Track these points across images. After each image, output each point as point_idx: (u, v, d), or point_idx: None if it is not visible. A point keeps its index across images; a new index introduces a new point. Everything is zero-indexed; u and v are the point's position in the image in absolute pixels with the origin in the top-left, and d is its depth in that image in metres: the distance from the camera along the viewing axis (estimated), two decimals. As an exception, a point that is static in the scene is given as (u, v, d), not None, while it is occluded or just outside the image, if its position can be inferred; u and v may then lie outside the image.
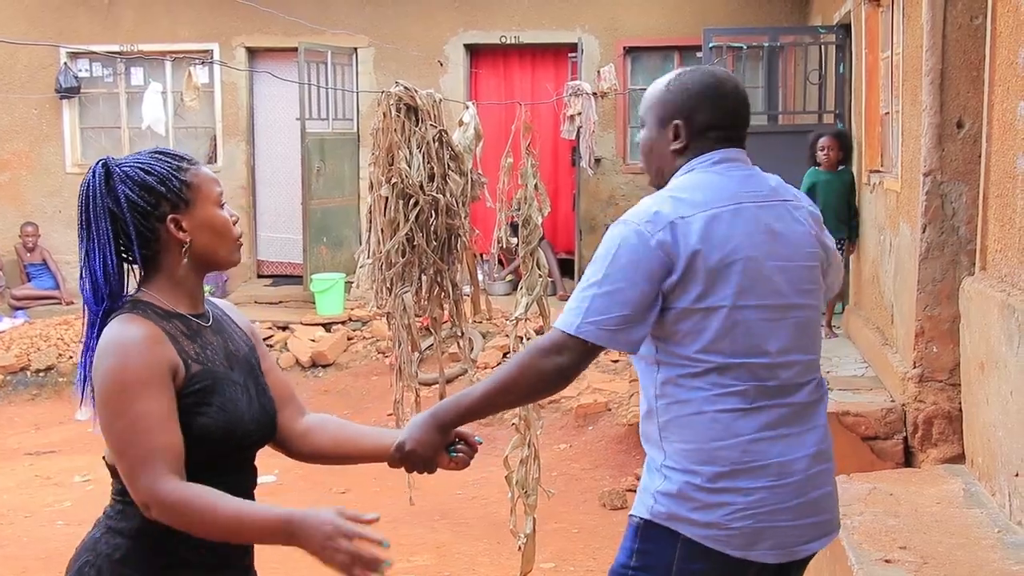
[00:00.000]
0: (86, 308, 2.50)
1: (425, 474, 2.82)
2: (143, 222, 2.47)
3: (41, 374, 11.70)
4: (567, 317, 2.68)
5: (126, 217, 2.46)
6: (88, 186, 2.48)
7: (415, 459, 2.76)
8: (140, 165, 2.49)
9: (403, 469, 2.81)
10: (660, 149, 2.91)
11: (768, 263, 2.72)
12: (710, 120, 2.84)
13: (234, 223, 2.59)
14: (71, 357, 11.78)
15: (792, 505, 2.75)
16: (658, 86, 2.92)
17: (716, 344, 2.67)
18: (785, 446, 2.78)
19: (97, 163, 2.50)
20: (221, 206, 2.56)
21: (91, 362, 2.44)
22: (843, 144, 8.64)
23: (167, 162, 2.51)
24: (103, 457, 2.58)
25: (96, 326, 2.47)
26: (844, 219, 8.58)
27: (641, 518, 2.76)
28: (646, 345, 2.74)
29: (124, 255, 2.51)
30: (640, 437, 2.89)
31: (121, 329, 2.41)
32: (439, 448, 2.77)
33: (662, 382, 2.75)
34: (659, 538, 2.72)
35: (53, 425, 10.64)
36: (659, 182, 2.94)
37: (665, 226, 2.66)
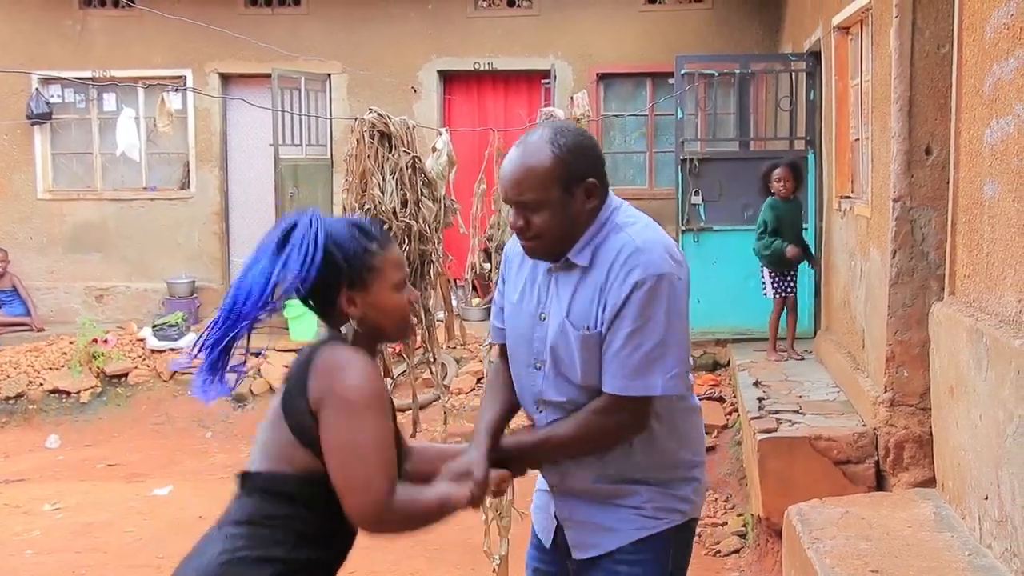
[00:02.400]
0: (238, 302, 2.61)
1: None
2: (325, 289, 2.63)
3: (11, 401, 11.60)
4: (644, 380, 2.78)
5: (310, 274, 2.58)
6: (307, 223, 2.61)
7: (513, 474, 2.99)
8: (338, 235, 2.62)
9: None
10: (572, 214, 2.86)
11: None
12: (604, 167, 2.95)
13: (412, 301, 2.73)
14: (41, 384, 11.70)
15: None
16: (542, 160, 2.81)
17: (688, 351, 2.94)
18: None
19: (308, 215, 2.64)
20: (400, 289, 2.69)
21: (223, 340, 2.58)
22: (796, 174, 9.04)
23: (358, 240, 2.62)
24: (246, 473, 2.65)
25: (246, 320, 2.59)
26: (801, 243, 9.06)
27: (668, 528, 2.96)
28: None
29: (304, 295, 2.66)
30: (629, 469, 2.97)
31: (356, 354, 2.58)
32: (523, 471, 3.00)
33: (681, 408, 2.98)
34: (684, 533, 3.02)
35: (23, 453, 10.56)
36: (562, 249, 2.90)
37: (683, 265, 2.84)
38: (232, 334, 2.61)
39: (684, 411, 2.98)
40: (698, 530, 6.21)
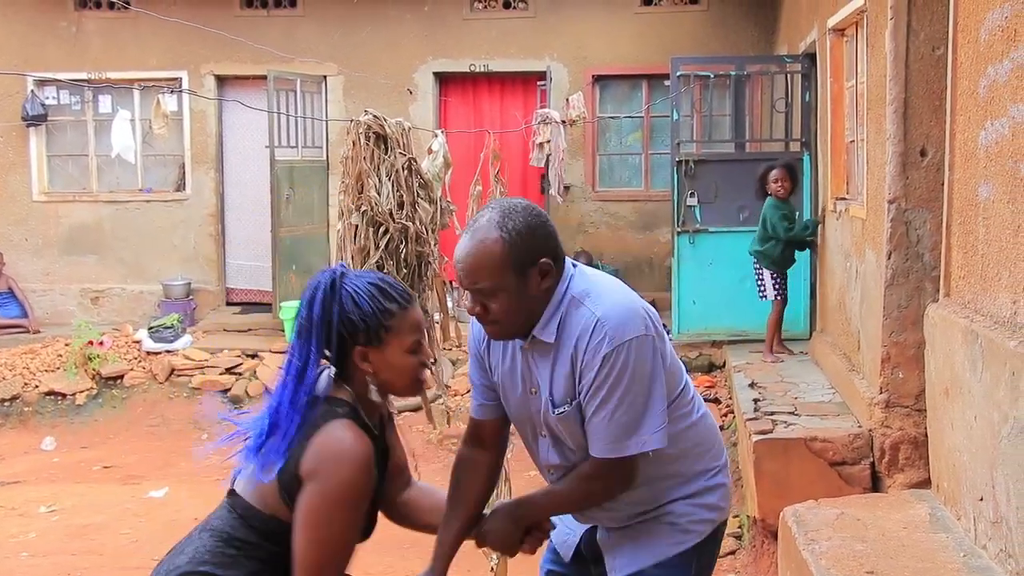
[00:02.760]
0: (283, 400, 2.69)
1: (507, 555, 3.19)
2: (337, 340, 2.71)
3: (6, 404, 11.59)
4: (613, 445, 2.86)
5: (325, 330, 2.69)
6: (319, 294, 2.71)
7: (494, 545, 3.13)
8: (357, 294, 2.71)
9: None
10: (528, 296, 2.87)
11: None
12: (558, 240, 2.93)
13: (425, 365, 2.79)
14: (36, 386, 11.69)
15: None
16: (492, 247, 2.80)
17: (681, 373, 3.09)
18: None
19: (332, 273, 2.75)
20: (415, 351, 2.75)
21: (284, 440, 2.64)
22: (792, 175, 9.19)
23: (378, 300, 2.72)
24: (233, 491, 2.79)
25: (300, 411, 2.66)
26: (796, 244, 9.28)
27: (696, 543, 3.06)
28: None
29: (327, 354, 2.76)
30: (640, 507, 3.09)
31: (353, 438, 2.64)
32: (515, 537, 3.08)
33: (672, 431, 2.99)
34: (710, 545, 3.12)
35: (18, 455, 10.56)
36: (525, 329, 2.93)
37: (647, 320, 2.88)
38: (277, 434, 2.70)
39: (688, 428, 3.07)
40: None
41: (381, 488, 2.87)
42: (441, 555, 3.11)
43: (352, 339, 2.70)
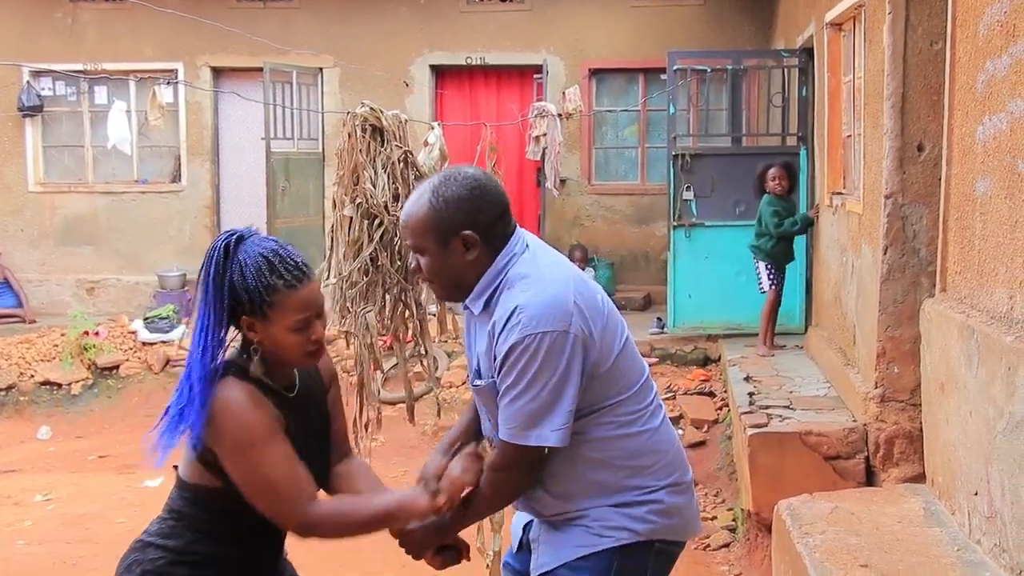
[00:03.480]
0: (193, 365, 2.70)
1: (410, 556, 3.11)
2: (226, 309, 2.71)
3: (2, 393, 11.59)
4: (515, 431, 2.84)
5: (224, 297, 2.70)
6: (213, 260, 2.71)
7: (408, 544, 3.06)
8: (245, 267, 2.69)
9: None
10: (454, 264, 2.92)
11: (609, 305, 3.00)
12: (491, 215, 2.92)
13: (313, 340, 2.77)
14: (32, 376, 11.69)
15: (693, 488, 3.16)
16: (420, 209, 2.89)
17: (629, 379, 2.97)
18: (679, 441, 3.14)
19: (228, 237, 2.75)
20: (300, 330, 2.73)
21: (196, 412, 2.66)
22: (791, 173, 9.24)
23: (263, 275, 2.69)
24: (175, 468, 2.86)
25: (204, 380, 2.68)
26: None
27: (617, 545, 2.94)
28: None
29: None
30: (561, 507, 3.04)
31: (230, 393, 2.68)
32: (431, 544, 3.07)
33: (596, 434, 2.94)
34: (637, 554, 2.97)
35: (14, 444, 10.56)
36: (459, 295, 3.01)
37: (571, 316, 2.80)
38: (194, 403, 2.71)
39: (623, 438, 2.96)
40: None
41: (314, 446, 2.89)
42: (446, 441, 3.16)
43: (239, 308, 2.71)
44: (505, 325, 2.80)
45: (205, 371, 2.68)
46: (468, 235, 2.88)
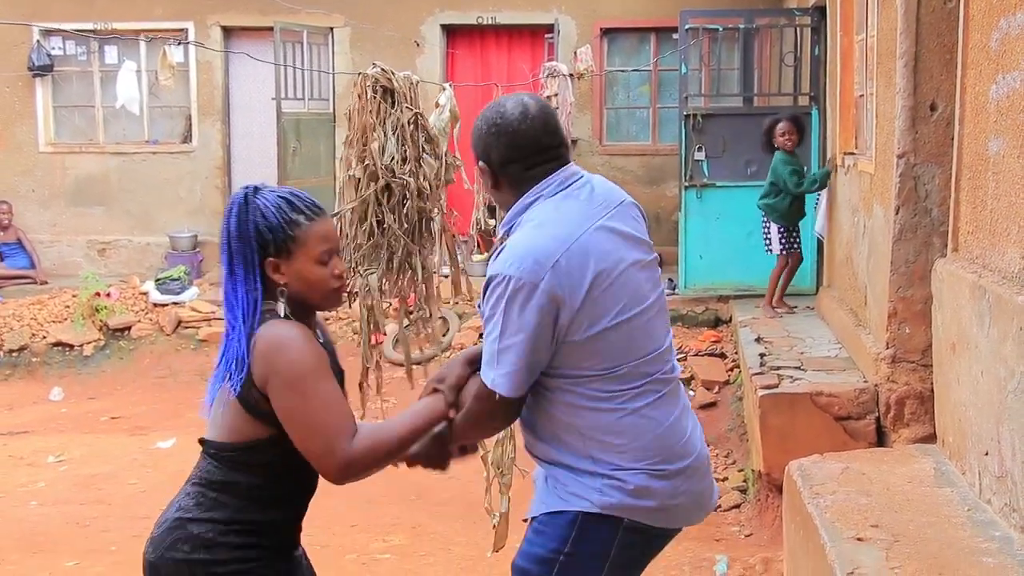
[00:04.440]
0: (230, 311, 2.81)
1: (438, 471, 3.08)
2: (251, 255, 2.79)
3: (14, 354, 11.63)
4: (483, 366, 2.89)
5: (252, 245, 2.79)
6: (234, 210, 2.82)
7: (430, 463, 3.01)
8: (265, 207, 2.79)
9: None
10: (485, 187, 3.06)
11: (632, 270, 2.94)
12: (504, 155, 2.95)
13: (336, 275, 2.84)
14: (44, 337, 11.72)
15: (695, 479, 3.03)
16: (475, 130, 3.01)
17: (614, 356, 2.89)
18: (681, 428, 3.03)
19: (245, 188, 2.85)
20: (324, 262, 2.80)
21: (240, 356, 2.72)
22: (799, 127, 9.15)
23: (284, 211, 2.79)
24: (201, 441, 2.87)
25: (243, 328, 2.75)
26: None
27: (580, 511, 2.93)
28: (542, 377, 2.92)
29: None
30: (540, 452, 3.06)
31: (283, 328, 2.74)
32: (449, 453, 3.03)
33: (565, 399, 2.93)
34: (599, 526, 2.94)
35: (26, 405, 10.61)
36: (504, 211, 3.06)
37: (548, 271, 2.78)
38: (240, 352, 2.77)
39: (593, 412, 2.92)
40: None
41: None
42: (465, 352, 3.15)
43: (263, 251, 2.78)
44: (494, 257, 2.88)
45: (247, 316, 2.76)
46: (482, 166, 3.00)
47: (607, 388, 2.90)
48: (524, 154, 2.94)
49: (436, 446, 2.97)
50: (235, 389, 2.72)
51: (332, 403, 2.73)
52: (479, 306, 2.97)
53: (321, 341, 2.91)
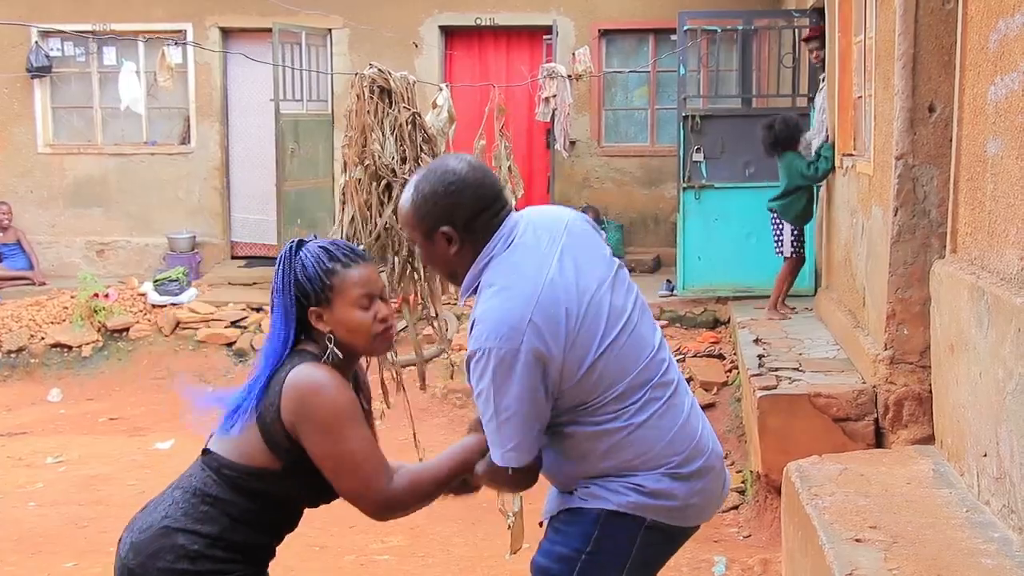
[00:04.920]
0: (266, 355, 2.86)
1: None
2: (297, 305, 2.86)
3: (12, 355, 11.63)
4: (494, 449, 2.91)
5: (291, 297, 2.86)
6: (281, 263, 2.90)
7: (496, 482, 3.04)
8: (306, 257, 2.86)
9: None
10: (442, 256, 2.99)
11: (600, 294, 2.93)
12: (474, 208, 2.94)
13: (380, 320, 2.88)
14: (43, 338, 11.72)
15: (710, 478, 3.07)
16: (404, 205, 2.98)
17: (609, 382, 2.91)
18: (692, 430, 3.05)
19: (291, 243, 2.93)
20: (364, 307, 2.85)
21: (259, 395, 2.79)
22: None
23: (322, 261, 2.85)
24: (204, 452, 2.90)
25: (270, 370, 2.82)
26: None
27: (603, 509, 2.96)
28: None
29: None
30: (558, 483, 3.12)
31: (319, 372, 2.79)
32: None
33: (570, 431, 2.96)
34: (622, 525, 2.96)
35: (25, 406, 10.61)
36: (457, 282, 3.06)
37: (524, 333, 2.79)
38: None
39: (599, 435, 2.94)
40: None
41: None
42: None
43: (305, 301, 2.84)
44: (470, 333, 2.88)
45: (276, 359, 2.82)
46: (447, 230, 2.93)
47: (611, 409, 2.92)
48: (484, 205, 2.95)
49: (465, 491, 3.10)
50: (261, 425, 2.77)
51: (366, 447, 2.78)
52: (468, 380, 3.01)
53: (355, 384, 2.97)
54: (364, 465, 2.77)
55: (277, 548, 3.00)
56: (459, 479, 2.99)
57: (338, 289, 2.83)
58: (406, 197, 2.97)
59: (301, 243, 2.91)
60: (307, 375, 2.77)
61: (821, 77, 9.50)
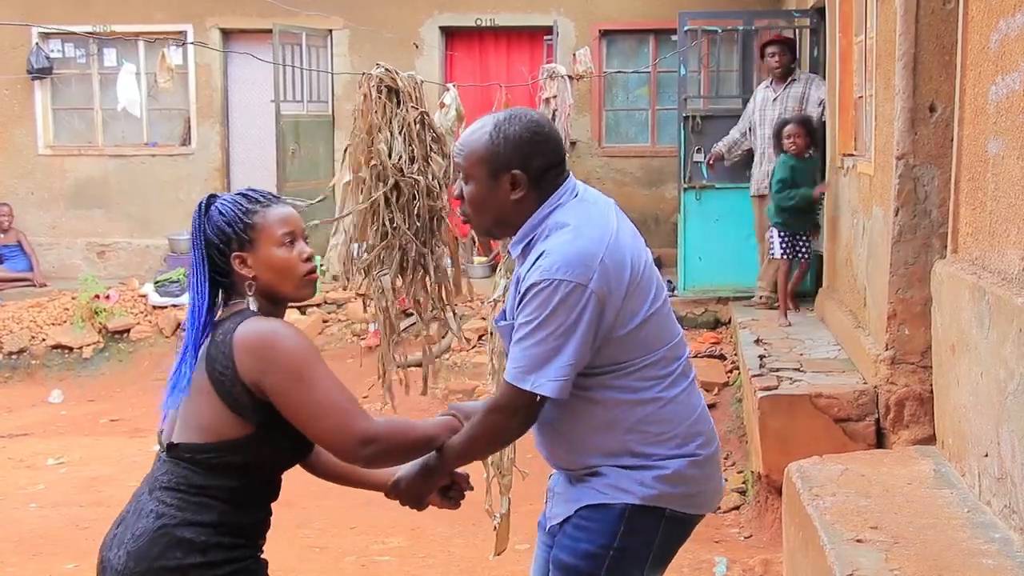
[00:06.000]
0: (189, 320, 2.83)
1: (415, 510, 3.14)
2: (220, 257, 2.81)
3: (13, 356, 11.64)
4: (517, 372, 2.84)
5: (208, 251, 2.81)
6: (193, 220, 2.84)
7: (406, 497, 3.09)
8: (222, 205, 2.83)
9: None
10: (498, 200, 2.97)
11: (651, 261, 3.02)
12: (548, 161, 2.97)
13: (305, 259, 2.84)
14: (43, 339, 11.73)
15: (717, 465, 3.16)
16: (479, 139, 2.94)
17: (650, 345, 2.95)
18: (708, 414, 3.15)
19: (203, 199, 2.87)
20: (287, 245, 2.81)
21: (192, 362, 2.80)
22: (809, 130, 8.77)
23: (240, 204, 2.83)
24: (164, 443, 2.85)
25: (197, 335, 2.81)
26: (814, 207, 8.76)
27: (627, 504, 2.95)
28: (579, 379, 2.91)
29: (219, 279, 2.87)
30: (568, 462, 3.08)
31: (267, 323, 2.75)
32: (430, 490, 3.09)
33: (605, 396, 2.95)
34: (646, 518, 2.96)
35: (26, 408, 10.61)
36: (495, 231, 3.07)
37: (595, 272, 2.80)
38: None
39: (636, 404, 2.95)
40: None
41: None
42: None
43: (228, 248, 2.80)
44: (532, 267, 2.85)
45: (200, 317, 2.80)
46: (517, 174, 2.93)
47: (647, 376, 2.95)
48: (556, 161, 2.99)
49: (421, 480, 3.04)
50: (220, 393, 2.72)
51: (337, 384, 2.73)
52: (501, 314, 3.02)
53: None
54: (339, 402, 2.71)
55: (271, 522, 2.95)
56: (427, 450, 2.95)
57: (259, 228, 2.80)
58: (481, 134, 2.94)
59: (213, 196, 2.88)
60: (255, 329, 2.71)
61: (766, 85, 9.47)
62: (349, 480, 3.17)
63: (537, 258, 2.85)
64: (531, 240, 2.96)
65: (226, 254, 2.80)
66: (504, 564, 5.88)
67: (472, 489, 3.20)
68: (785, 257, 8.75)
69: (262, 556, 2.92)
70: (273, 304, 2.84)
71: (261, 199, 2.85)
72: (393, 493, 3.09)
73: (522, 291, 2.85)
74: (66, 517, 7.21)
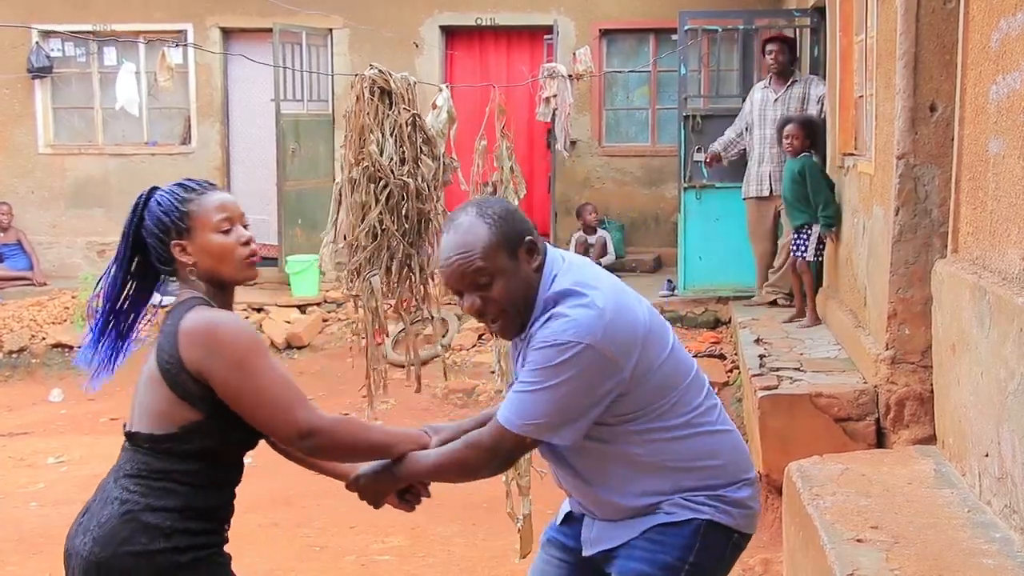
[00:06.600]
0: (101, 308, 3.00)
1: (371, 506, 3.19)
2: (160, 246, 2.90)
3: (14, 355, 11.62)
4: (510, 416, 2.85)
5: (148, 240, 2.91)
6: (129, 211, 2.96)
7: (365, 494, 3.13)
8: (160, 196, 2.91)
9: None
10: (524, 275, 2.89)
11: (652, 308, 3.04)
12: (530, 229, 2.95)
13: (244, 243, 2.88)
14: (44, 339, 11.72)
15: (757, 484, 3.16)
16: (480, 233, 2.83)
17: (672, 383, 2.95)
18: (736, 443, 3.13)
19: (143, 192, 2.98)
20: (225, 231, 2.85)
21: (110, 346, 3.04)
22: (808, 131, 8.57)
23: (176, 193, 2.90)
24: (130, 432, 2.91)
25: (107, 322, 3.01)
26: (803, 207, 8.42)
27: (702, 519, 2.96)
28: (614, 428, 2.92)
29: (143, 271, 3.00)
30: (621, 513, 3.05)
31: (211, 312, 2.79)
32: (386, 492, 3.13)
33: (651, 439, 2.93)
34: (717, 536, 2.98)
35: (26, 407, 10.60)
36: (526, 315, 2.92)
37: (604, 335, 2.78)
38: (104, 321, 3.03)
39: (673, 440, 2.94)
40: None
41: None
42: (456, 425, 3.24)
43: (167, 236, 2.88)
44: (543, 325, 2.83)
45: (110, 303, 3.00)
46: (530, 240, 2.90)
47: (680, 412, 2.94)
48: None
49: (379, 481, 3.06)
50: (167, 380, 2.77)
51: (281, 376, 2.77)
52: (515, 374, 2.99)
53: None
54: (283, 393, 2.75)
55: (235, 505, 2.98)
56: (383, 455, 2.99)
57: (196, 215, 2.86)
58: (477, 228, 2.82)
59: (154, 189, 2.96)
60: (199, 318, 2.75)
61: (764, 85, 9.46)
62: (313, 467, 3.23)
63: (547, 319, 2.82)
64: (534, 319, 2.90)
65: (166, 243, 2.87)
66: (504, 564, 5.89)
67: (430, 496, 3.20)
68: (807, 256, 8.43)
69: (226, 547, 2.94)
70: (219, 288, 2.90)
71: (197, 187, 2.92)
72: (353, 487, 3.13)
73: (531, 348, 2.83)
74: (66, 516, 7.13)
